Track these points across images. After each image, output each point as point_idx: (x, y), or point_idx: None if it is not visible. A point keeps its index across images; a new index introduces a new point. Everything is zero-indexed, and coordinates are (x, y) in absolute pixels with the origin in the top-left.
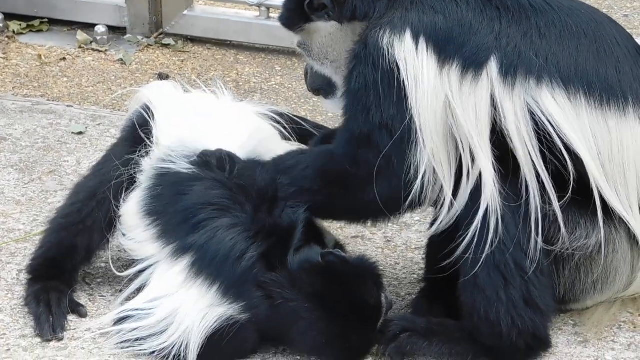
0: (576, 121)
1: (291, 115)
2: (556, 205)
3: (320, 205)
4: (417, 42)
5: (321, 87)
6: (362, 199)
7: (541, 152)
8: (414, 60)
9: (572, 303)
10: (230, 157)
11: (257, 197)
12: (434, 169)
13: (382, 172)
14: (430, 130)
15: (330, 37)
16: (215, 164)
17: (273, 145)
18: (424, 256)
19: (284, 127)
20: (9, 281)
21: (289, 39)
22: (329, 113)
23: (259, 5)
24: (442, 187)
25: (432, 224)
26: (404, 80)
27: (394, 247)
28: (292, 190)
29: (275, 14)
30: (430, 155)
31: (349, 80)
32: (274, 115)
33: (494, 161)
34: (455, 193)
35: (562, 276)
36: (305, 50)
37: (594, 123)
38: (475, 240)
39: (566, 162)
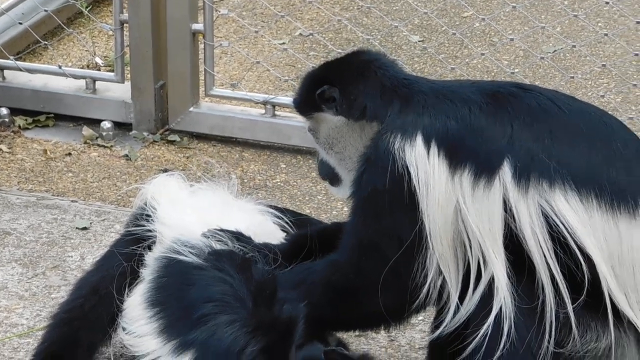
0: (588, 223)
1: (294, 213)
2: (570, 307)
3: (330, 318)
4: (428, 147)
5: (327, 175)
6: (367, 310)
7: (555, 254)
8: (425, 165)
9: None
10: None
11: (256, 292)
12: (442, 275)
13: (388, 283)
14: (440, 236)
15: (337, 130)
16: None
17: (273, 240)
18: (425, 356)
19: (286, 223)
20: None
21: (295, 136)
22: (333, 211)
23: (264, 103)
24: (448, 292)
25: (435, 328)
26: (414, 186)
27: (398, 346)
28: (301, 306)
29: (280, 112)
30: (439, 261)
31: (358, 184)
32: (276, 212)
33: (507, 265)
34: (460, 297)
35: None
36: (314, 136)
37: (604, 226)
38: (485, 344)
39: (580, 264)
